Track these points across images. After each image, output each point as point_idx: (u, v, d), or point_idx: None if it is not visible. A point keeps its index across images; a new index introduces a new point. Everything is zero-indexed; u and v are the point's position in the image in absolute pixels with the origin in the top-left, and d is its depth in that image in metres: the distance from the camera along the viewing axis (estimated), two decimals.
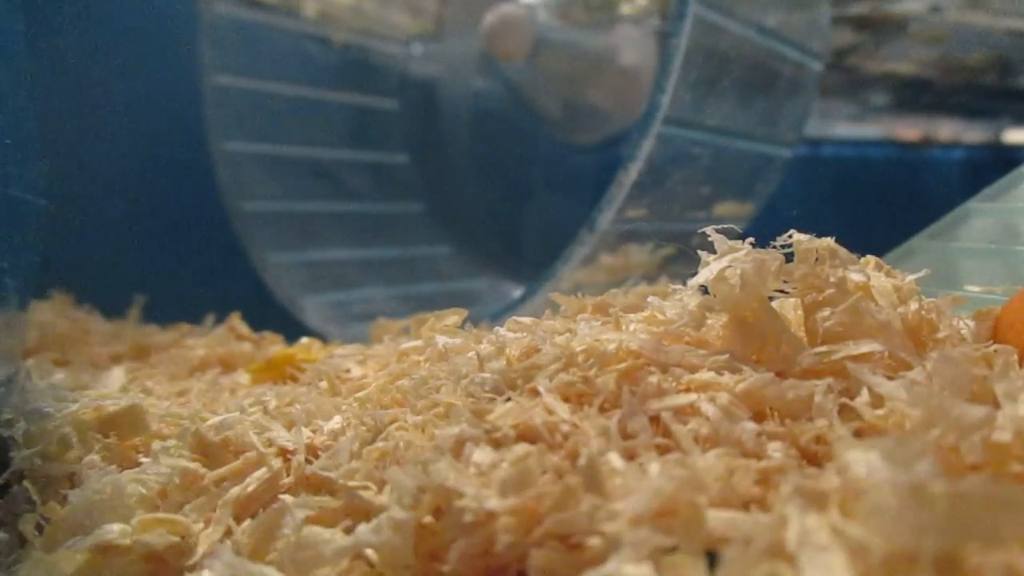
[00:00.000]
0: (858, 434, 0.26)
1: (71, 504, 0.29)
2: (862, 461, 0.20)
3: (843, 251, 0.32)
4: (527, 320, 0.38)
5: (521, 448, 0.26)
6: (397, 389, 0.36)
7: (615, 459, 0.24)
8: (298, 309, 0.89)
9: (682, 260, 0.70)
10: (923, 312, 0.32)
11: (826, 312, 0.30)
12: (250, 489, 0.30)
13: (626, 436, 0.27)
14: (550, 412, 0.28)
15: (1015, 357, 0.28)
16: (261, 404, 0.40)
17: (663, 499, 0.22)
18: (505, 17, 0.83)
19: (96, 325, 0.76)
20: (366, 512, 0.27)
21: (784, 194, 0.74)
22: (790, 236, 0.32)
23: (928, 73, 0.93)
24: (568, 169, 1.02)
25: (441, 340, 0.40)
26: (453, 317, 0.51)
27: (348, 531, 0.26)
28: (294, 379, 0.51)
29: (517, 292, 0.82)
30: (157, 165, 0.92)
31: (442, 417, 0.31)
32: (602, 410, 0.28)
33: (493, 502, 0.23)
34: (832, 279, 0.31)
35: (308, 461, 0.31)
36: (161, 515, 0.29)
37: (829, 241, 0.32)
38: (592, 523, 0.22)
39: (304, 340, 0.62)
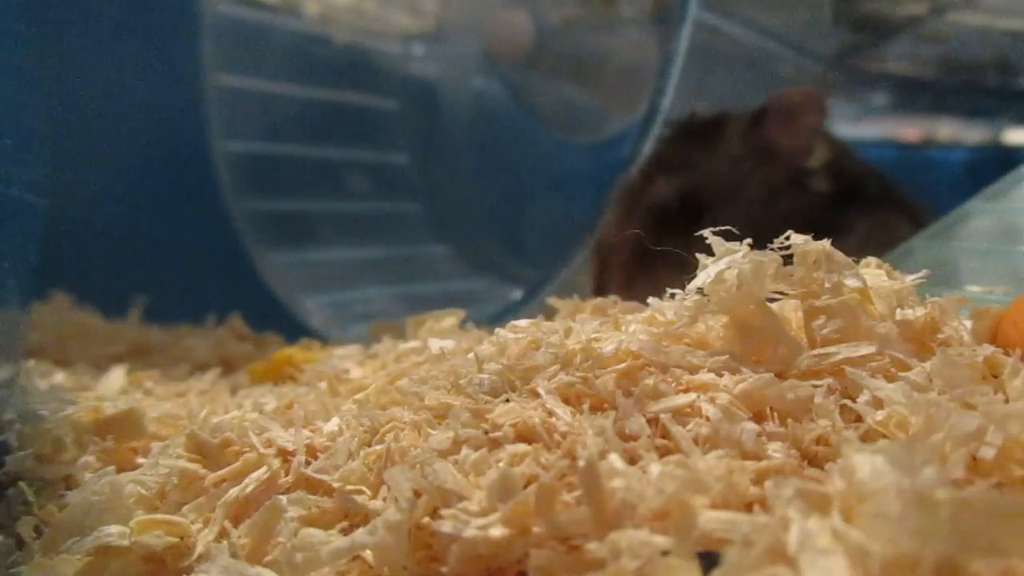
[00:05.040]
0: (862, 438, 0.26)
1: (70, 506, 0.29)
2: (867, 465, 0.20)
3: (838, 254, 0.32)
4: (525, 323, 0.38)
5: (517, 448, 0.26)
6: (396, 390, 0.36)
7: (616, 460, 0.24)
8: (298, 309, 0.89)
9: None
10: (925, 313, 0.32)
11: (823, 316, 0.30)
12: (249, 490, 0.30)
13: (626, 438, 0.27)
14: (549, 413, 0.28)
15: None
16: (260, 405, 0.40)
17: (663, 500, 0.22)
18: (505, 18, 0.83)
19: (96, 325, 0.76)
20: (364, 513, 0.27)
21: None
22: (787, 237, 0.32)
23: (928, 73, 0.93)
24: (568, 169, 1.02)
25: (438, 343, 0.40)
26: (451, 318, 0.51)
27: (346, 532, 0.26)
28: (294, 379, 0.51)
29: (516, 293, 0.82)
30: (157, 165, 0.92)
31: (440, 418, 0.30)
32: (601, 411, 0.28)
33: (488, 504, 0.23)
34: (828, 284, 0.31)
35: (307, 462, 0.31)
36: (159, 516, 0.29)
37: (825, 244, 0.32)
38: (591, 524, 0.22)
39: (304, 340, 0.62)
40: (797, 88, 0.59)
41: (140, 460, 0.35)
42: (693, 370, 0.30)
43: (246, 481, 0.30)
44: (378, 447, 0.30)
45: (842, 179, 0.59)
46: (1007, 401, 0.26)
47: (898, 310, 0.32)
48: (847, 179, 0.59)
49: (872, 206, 0.59)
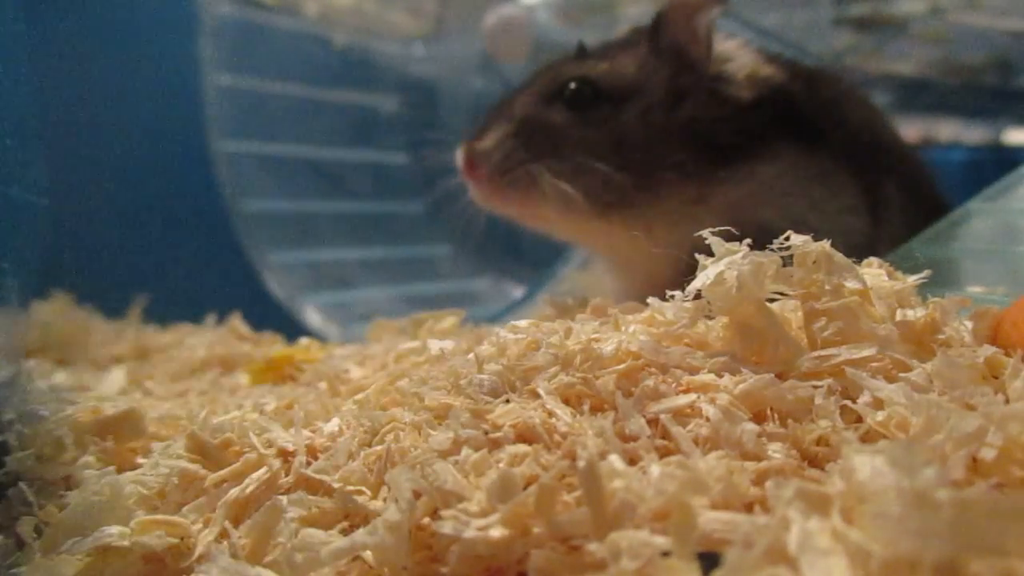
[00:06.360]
0: (863, 439, 0.26)
1: (70, 506, 0.29)
2: (868, 465, 0.20)
3: (838, 255, 0.32)
4: (525, 323, 0.38)
5: (518, 448, 0.26)
6: (396, 390, 0.36)
7: (616, 461, 0.24)
8: (298, 309, 0.89)
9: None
10: (925, 314, 0.32)
11: (823, 318, 0.30)
12: (249, 490, 0.30)
13: (626, 438, 0.27)
14: (549, 414, 0.28)
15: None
16: (260, 405, 0.40)
17: (664, 500, 0.22)
18: (505, 18, 0.83)
19: (97, 325, 0.76)
20: (364, 513, 0.27)
21: None
22: (787, 238, 0.32)
23: (928, 73, 0.93)
24: None
25: (438, 343, 0.40)
26: (451, 318, 0.51)
27: (346, 532, 0.26)
28: (294, 379, 0.51)
29: (518, 292, 0.82)
30: (157, 165, 0.92)
31: (440, 418, 0.30)
32: (601, 411, 0.28)
33: (488, 504, 0.23)
34: (828, 286, 0.31)
35: (307, 462, 0.31)
36: (160, 516, 0.29)
37: (824, 245, 0.32)
38: (591, 525, 0.22)
39: (304, 340, 0.62)
40: None
41: (140, 460, 0.35)
42: (693, 371, 0.30)
43: (246, 481, 0.30)
44: (378, 447, 0.30)
45: (770, 94, 0.55)
46: (1007, 402, 0.26)
47: (899, 311, 0.32)
48: (781, 96, 0.55)
49: (804, 133, 0.55)
